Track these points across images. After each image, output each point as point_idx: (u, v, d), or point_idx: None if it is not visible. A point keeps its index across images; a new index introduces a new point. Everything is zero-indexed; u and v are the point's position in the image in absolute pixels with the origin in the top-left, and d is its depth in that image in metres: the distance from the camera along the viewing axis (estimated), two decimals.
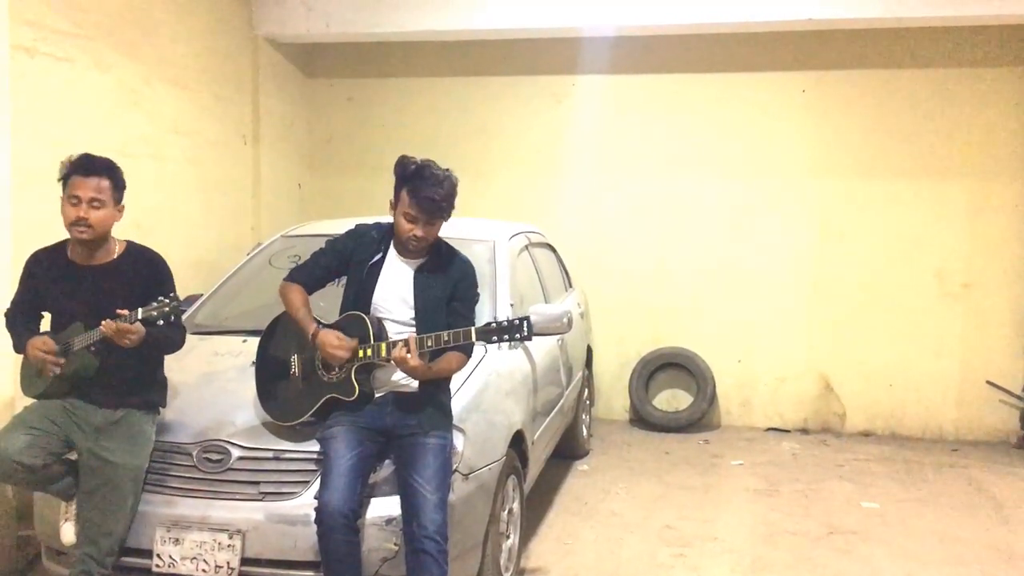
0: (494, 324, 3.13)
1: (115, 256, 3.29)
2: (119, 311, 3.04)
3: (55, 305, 3.29)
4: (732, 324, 7.00)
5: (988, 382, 6.66)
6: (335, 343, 3.14)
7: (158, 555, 3.15)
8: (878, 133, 6.72)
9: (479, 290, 3.43)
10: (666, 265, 7.07)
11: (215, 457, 3.26)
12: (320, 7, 6.47)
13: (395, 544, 3.09)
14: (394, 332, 3.22)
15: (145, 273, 3.28)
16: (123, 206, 3.29)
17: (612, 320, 7.09)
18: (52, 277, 3.27)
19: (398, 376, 3.23)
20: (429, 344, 3.10)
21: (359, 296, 3.27)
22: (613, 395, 7.23)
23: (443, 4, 6.35)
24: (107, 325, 3.03)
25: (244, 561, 3.10)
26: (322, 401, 3.24)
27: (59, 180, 3.20)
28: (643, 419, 7.01)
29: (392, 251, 3.31)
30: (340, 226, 3.68)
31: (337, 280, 3.43)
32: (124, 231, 3.43)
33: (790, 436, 6.83)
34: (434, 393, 3.26)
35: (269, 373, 3.41)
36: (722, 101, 6.92)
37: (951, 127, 6.62)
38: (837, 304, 6.86)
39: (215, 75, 6.02)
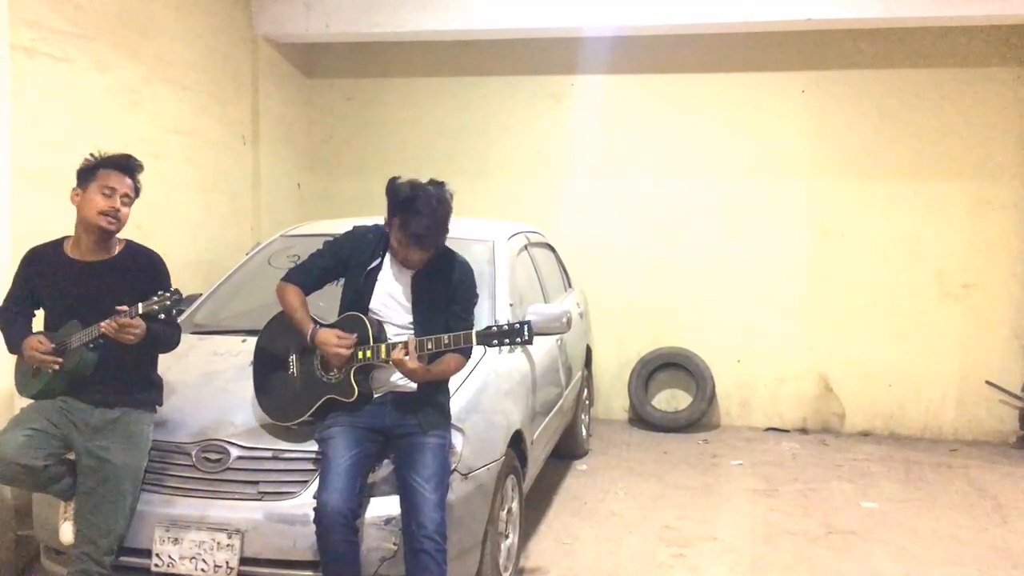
0: (495, 328, 3.14)
1: (114, 253, 3.30)
2: (118, 308, 3.04)
3: (51, 301, 3.28)
4: (731, 324, 7.01)
5: (987, 382, 6.66)
6: (335, 341, 3.14)
7: (157, 555, 3.15)
8: (877, 133, 6.73)
9: (478, 291, 3.42)
10: (665, 265, 7.08)
11: (214, 457, 3.26)
12: (320, 7, 6.47)
13: (394, 544, 3.09)
14: (393, 334, 3.22)
15: (143, 271, 3.28)
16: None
17: (611, 320, 7.10)
18: (49, 273, 3.27)
19: (397, 376, 3.23)
20: (429, 347, 3.10)
21: (357, 300, 3.27)
22: (612, 395, 7.23)
23: (443, 4, 6.35)
24: (107, 325, 3.03)
25: (243, 561, 3.10)
26: (321, 401, 3.24)
27: (80, 171, 3.22)
28: (642, 419, 7.01)
29: (390, 255, 3.30)
30: (339, 226, 3.68)
31: (336, 281, 3.43)
32: (124, 230, 3.42)
33: (789, 436, 6.83)
34: (433, 393, 3.26)
35: (267, 373, 3.41)
36: (721, 101, 6.92)
37: (951, 127, 6.62)
38: (836, 304, 6.87)
39: (214, 75, 6.02)
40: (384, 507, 3.13)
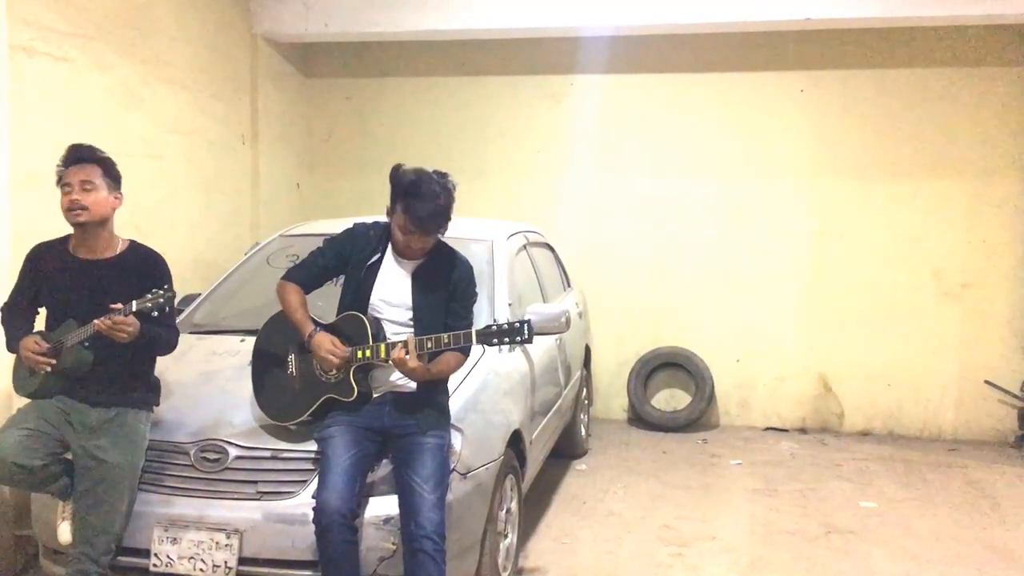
0: (494, 327, 3.14)
1: (116, 252, 3.30)
2: (112, 306, 3.04)
3: (53, 298, 3.28)
4: (730, 324, 7.01)
5: (986, 382, 6.66)
6: (329, 347, 3.14)
7: (155, 554, 3.15)
8: (876, 133, 6.73)
9: (477, 290, 3.42)
10: (665, 264, 7.08)
11: (213, 456, 3.26)
12: (319, 7, 6.47)
13: (393, 543, 3.09)
14: (392, 332, 3.22)
15: (144, 270, 3.28)
16: (120, 195, 3.29)
17: (611, 320, 7.10)
18: (52, 270, 3.28)
19: (396, 376, 3.23)
20: (429, 346, 3.10)
21: (357, 296, 3.26)
22: (611, 394, 7.23)
23: (442, 4, 6.35)
24: (101, 323, 3.03)
25: (242, 560, 3.10)
26: (320, 401, 3.24)
27: (57, 184, 3.23)
28: (641, 419, 7.01)
29: (390, 251, 3.30)
30: (338, 225, 3.68)
31: (335, 280, 3.43)
32: (123, 230, 3.43)
33: (788, 436, 6.84)
34: (432, 393, 3.26)
35: (266, 372, 3.41)
36: (720, 101, 6.92)
37: (949, 127, 6.63)
38: (835, 304, 6.87)
39: (214, 75, 6.02)
40: (383, 507, 3.13)
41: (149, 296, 3.07)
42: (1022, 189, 6.56)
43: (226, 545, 3.10)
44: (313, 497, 3.02)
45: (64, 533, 3.21)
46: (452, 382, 3.40)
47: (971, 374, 6.70)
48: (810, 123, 6.83)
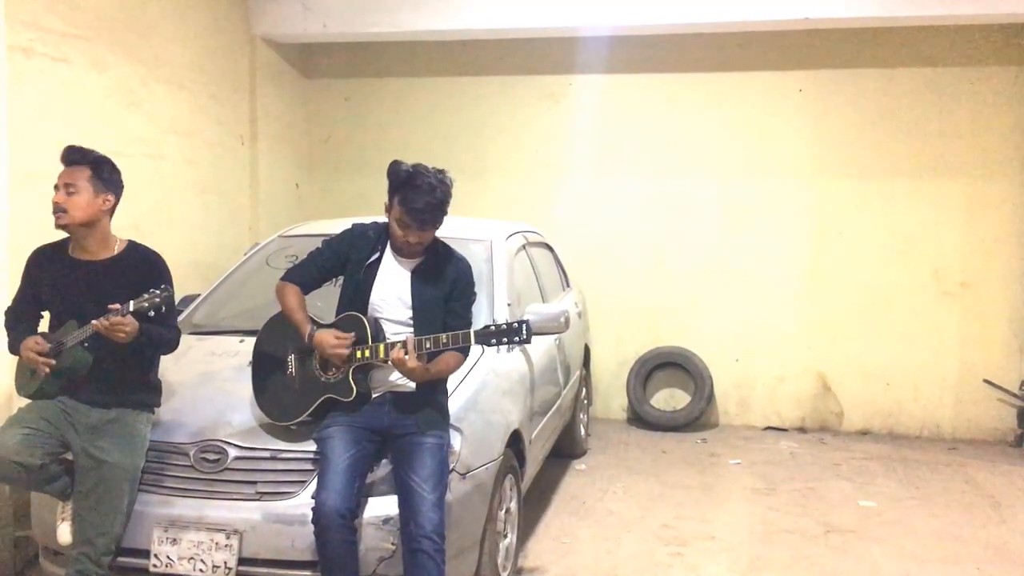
0: (493, 327, 3.14)
1: (115, 253, 3.30)
2: (110, 306, 3.05)
3: (53, 300, 3.29)
4: (730, 323, 7.01)
5: (985, 381, 6.67)
6: (333, 342, 3.14)
7: (155, 555, 3.15)
8: (875, 132, 6.73)
9: (476, 290, 3.43)
10: (664, 264, 7.08)
11: (212, 457, 3.26)
12: (317, 7, 6.47)
13: (392, 544, 3.09)
14: (391, 332, 3.22)
15: (143, 271, 3.28)
16: (110, 198, 3.26)
17: (610, 319, 7.10)
18: (52, 272, 3.28)
19: (395, 376, 3.23)
20: (428, 346, 3.10)
21: (356, 296, 3.27)
22: (611, 394, 7.24)
23: (440, 4, 6.35)
24: (99, 323, 3.03)
25: (241, 561, 3.10)
26: (319, 401, 3.24)
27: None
28: (641, 418, 7.01)
29: (389, 251, 3.30)
30: (337, 226, 3.68)
31: (334, 280, 3.43)
32: (122, 231, 3.43)
33: (788, 435, 6.84)
34: (431, 393, 3.26)
35: (265, 373, 3.41)
36: (719, 100, 6.93)
37: (948, 126, 6.63)
38: (835, 303, 6.87)
39: (212, 75, 6.02)
40: (382, 507, 3.13)
41: (146, 296, 3.07)
42: (1021, 188, 6.57)
43: (226, 545, 3.10)
44: (312, 497, 3.02)
45: (64, 534, 3.21)
46: (451, 382, 3.40)
47: (970, 373, 6.70)
48: (809, 123, 6.84)
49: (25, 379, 3.28)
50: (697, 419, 6.89)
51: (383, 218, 3.32)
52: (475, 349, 3.42)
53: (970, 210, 6.65)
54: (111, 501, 3.11)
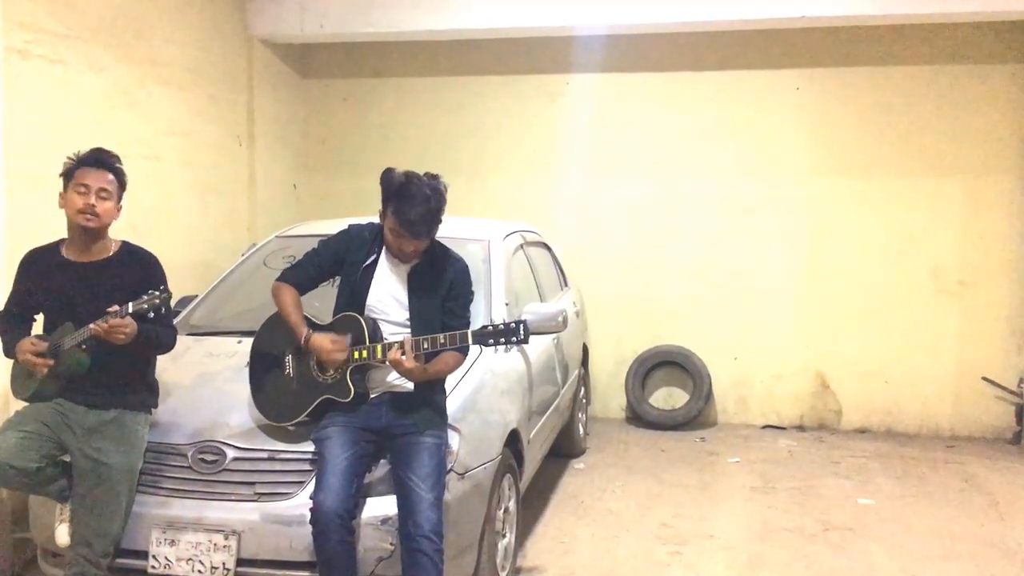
0: (490, 327, 3.14)
1: (110, 254, 3.29)
2: (109, 308, 3.04)
3: (48, 302, 3.28)
4: (728, 322, 7.02)
5: (984, 378, 6.67)
6: (329, 347, 3.14)
7: (154, 556, 3.15)
8: (873, 130, 6.74)
9: (474, 289, 3.43)
10: (662, 263, 7.08)
11: (210, 458, 3.27)
12: (314, 7, 6.47)
13: (391, 544, 3.09)
14: (389, 333, 3.22)
15: (138, 272, 3.28)
16: (121, 206, 3.30)
17: (608, 319, 7.10)
18: (45, 274, 3.27)
19: (393, 376, 3.23)
20: (425, 346, 3.10)
21: (353, 297, 3.27)
22: (609, 393, 7.24)
23: (437, 4, 6.35)
24: (98, 326, 3.03)
25: (240, 562, 3.11)
26: (317, 402, 3.24)
27: (62, 175, 3.22)
28: (639, 417, 7.01)
29: (385, 252, 3.30)
30: (335, 226, 3.68)
31: (331, 280, 3.43)
32: (120, 232, 3.43)
33: (786, 433, 6.84)
34: (429, 393, 3.27)
35: (263, 374, 3.41)
36: (716, 99, 6.93)
37: (946, 124, 6.63)
38: (833, 301, 6.88)
39: (209, 76, 6.01)
40: (381, 507, 3.13)
41: (145, 297, 3.06)
42: (1019, 186, 6.57)
43: (224, 546, 3.10)
44: (311, 498, 3.02)
45: (62, 535, 3.21)
46: (449, 382, 3.40)
47: (969, 371, 6.70)
48: (806, 121, 6.84)
49: (21, 382, 3.27)
50: (696, 418, 6.89)
51: (379, 218, 3.32)
52: (473, 349, 3.42)
53: (968, 208, 6.65)
54: (109, 503, 3.11)
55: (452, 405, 3.39)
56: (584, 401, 6.38)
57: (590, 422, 6.66)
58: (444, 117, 7.32)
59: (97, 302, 3.12)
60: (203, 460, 3.26)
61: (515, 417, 3.92)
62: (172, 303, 3.27)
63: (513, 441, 3.89)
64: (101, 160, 3.23)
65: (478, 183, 7.10)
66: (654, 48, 6.90)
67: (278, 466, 3.24)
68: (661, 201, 7.06)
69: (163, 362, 3.48)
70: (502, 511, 3.75)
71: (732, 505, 5.17)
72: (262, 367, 3.42)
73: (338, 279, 3.38)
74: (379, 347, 3.13)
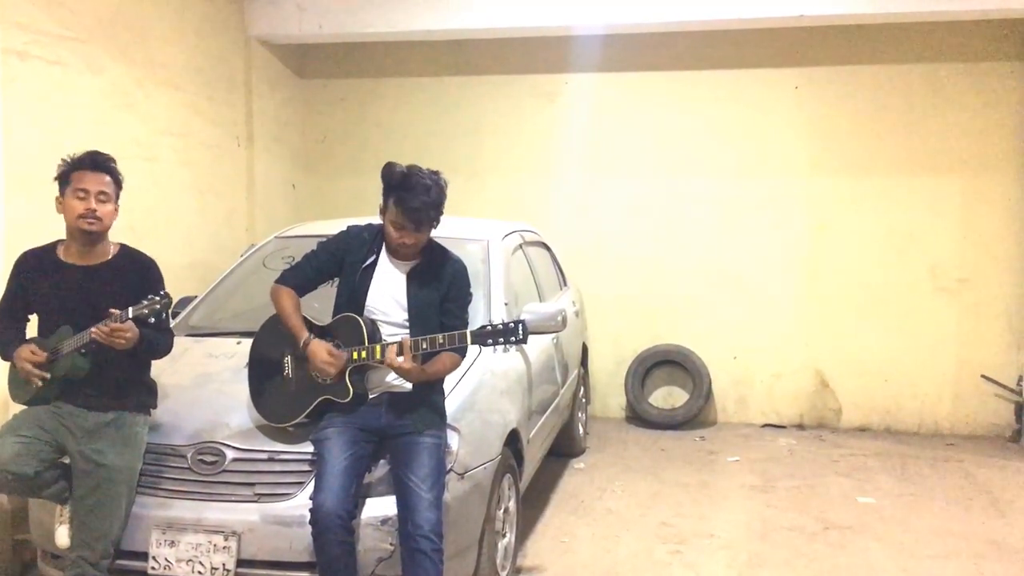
0: (489, 327, 3.14)
1: (108, 257, 3.28)
2: (111, 311, 3.03)
3: (43, 306, 3.27)
4: (727, 321, 7.02)
5: (983, 376, 6.68)
6: (326, 358, 3.14)
7: (153, 557, 3.15)
8: (871, 129, 6.74)
9: (473, 290, 3.43)
10: (661, 262, 7.08)
11: (210, 459, 3.26)
12: (313, 8, 6.47)
13: (391, 544, 3.09)
14: (388, 334, 3.22)
15: (137, 275, 3.27)
16: (119, 207, 3.29)
17: (607, 318, 7.10)
18: (42, 277, 3.26)
19: (392, 376, 3.23)
20: (424, 347, 3.10)
21: (352, 298, 3.27)
22: (609, 393, 7.24)
23: (435, 4, 6.35)
24: (99, 330, 3.02)
25: (240, 563, 3.10)
26: (316, 403, 3.23)
27: (56, 178, 3.19)
28: (639, 417, 7.01)
29: (384, 253, 3.31)
30: (334, 227, 3.68)
31: (330, 281, 3.43)
32: (118, 233, 3.42)
33: (786, 432, 6.84)
34: (428, 393, 3.27)
35: (262, 375, 3.40)
36: (715, 98, 6.93)
37: (944, 122, 6.63)
38: (832, 300, 6.88)
39: (208, 77, 6.01)
40: (380, 508, 3.13)
41: (145, 302, 3.05)
42: (1018, 184, 6.58)
43: (224, 547, 3.10)
44: (310, 499, 3.02)
45: (62, 537, 3.21)
46: (449, 382, 3.40)
47: (968, 369, 6.71)
48: (805, 120, 6.84)
49: (19, 385, 3.25)
50: (695, 417, 6.89)
51: (378, 220, 3.32)
52: (472, 349, 3.42)
53: (967, 206, 6.65)
54: (110, 504, 3.11)
55: (451, 405, 3.39)
56: (584, 400, 6.38)
57: (590, 421, 6.66)
58: (443, 117, 7.32)
59: (95, 306, 3.11)
60: (203, 461, 3.26)
61: (515, 417, 3.92)
62: (171, 307, 3.25)
63: (513, 441, 3.89)
64: (97, 162, 3.20)
65: (477, 183, 7.10)
66: (653, 47, 6.89)
67: (278, 467, 3.23)
68: (660, 200, 7.06)
69: (162, 363, 3.47)
70: (502, 511, 3.75)
71: (732, 504, 5.17)
72: (261, 368, 3.42)
73: (337, 280, 3.37)
74: (378, 347, 3.13)
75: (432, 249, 3.33)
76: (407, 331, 3.22)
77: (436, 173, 3.21)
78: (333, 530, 2.95)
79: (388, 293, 3.26)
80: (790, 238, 6.90)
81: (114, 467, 3.13)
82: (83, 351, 3.11)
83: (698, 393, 6.87)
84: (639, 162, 7.08)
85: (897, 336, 6.78)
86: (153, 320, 3.08)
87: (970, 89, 6.58)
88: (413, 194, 3.10)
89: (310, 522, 2.98)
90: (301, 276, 3.36)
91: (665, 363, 7.08)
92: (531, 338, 3.76)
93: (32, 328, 3.36)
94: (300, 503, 3.08)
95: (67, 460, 3.20)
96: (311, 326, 3.28)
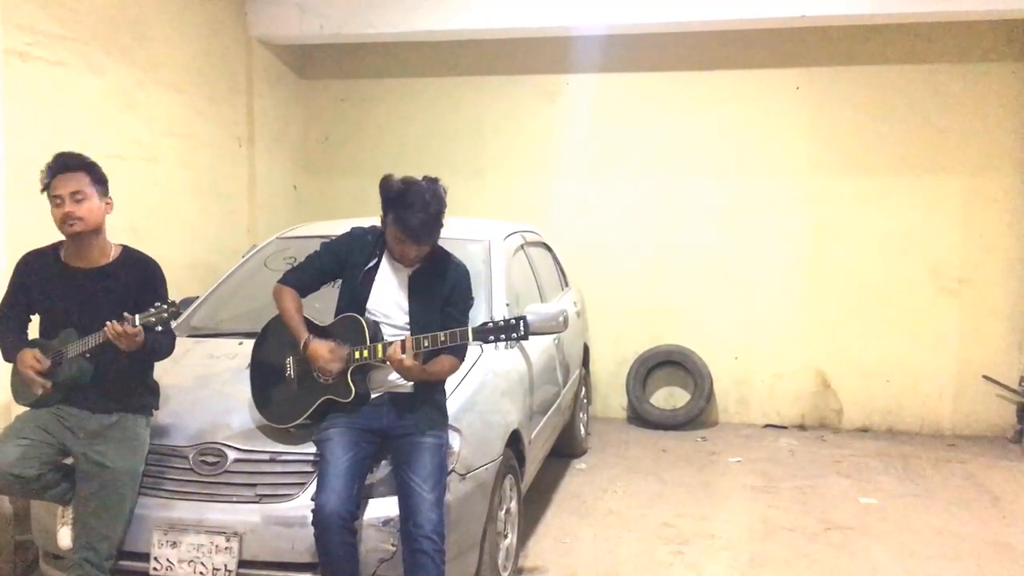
0: (490, 324, 3.14)
1: (110, 259, 3.26)
2: (124, 316, 3.01)
3: (45, 308, 3.26)
4: (729, 321, 7.01)
5: (984, 377, 6.67)
6: (327, 356, 3.14)
7: (155, 558, 3.15)
8: (872, 129, 6.73)
9: (474, 291, 3.42)
10: (662, 263, 7.08)
11: (211, 460, 3.26)
12: (314, 8, 6.47)
13: (392, 545, 3.09)
14: (389, 336, 3.21)
15: (139, 277, 3.26)
16: (110, 200, 3.24)
17: (609, 318, 7.10)
18: (44, 279, 3.25)
19: (394, 376, 3.22)
20: (425, 344, 3.10)
21: (354, 300, 3.26)
22: (610, 393, 7.24)
23: (436, 4, 6.35)
24: (112, 326, 3.01)
25: (241, 563, 3.10)
26: (318, 403, 3.24)
27: (43, 191, 3.17)
28: (640, 417, 7.01)
29: (387, 256, 3.30)
30: (336, 227, 3.68)
31: (332, 282, 3.43)
32: (120, 235, 3.42)
33: (787, 432, 6.84)
34: (430, 393, 3.27)
35: (264, 375, 3.40)
36: (716, 98, 6.92)
37: (945, 122, 6.63)
38: (833, 300, 6.88)
39: (209, 77, 6.01)
40: (382, 508, 3.13)
41: (153, 310, 3.04)
42: (1019, 184, 6.57)
43: (226, 548, 3.10)
44: (312, 499, 3.02)
45: (64, 538, 3.21)
46: (450, 382, 3.40)
47: (969, 369, 6.70)
48: (806, 120, 6.84)
49: (22, 387, 3.25)
50: (697, 417, 6.89)
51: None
52: (474, 349, 3.41)
53: (968, 206, 6.65)
54: (113, 506, 3.11)
55: (453, 405, 3.39)
56: (585, 401, 6.38)
57: (591, 422, 6.66)
58: (444, 117, 7.32)
59: (98, 309, 3.10)
60: (204, 462, 3.26)
61: (516, 417, 3.92)
62: (178, 305, 3.24)
63: (514, 441, 3.89)
64: (67, 164, 3.15)
65: (478, 183, 7.10)
66: (654, 48, 6.89)
67: (279, 468, 3.23)
68: (661, 200, 7.06)
69: (164, 364, 3.46)
70: (504, 511, 3.75)
71: (734, 505, 5.17)
72: (263, 369, 3.42)
73: (339, 281, 3.37)
74: (379, 347, 3.13)
75: (435, 252, 3.32)
76: (408, 333, 3.21)
77: (434, 182, 3.18)
78: (335, 531, 2.95)
79: (390, 296, 3.26)
80: (791, 238, 6.90)
81: (118, 469, 3.13)
82: (88, 355, 3.11)
83: (699, 393, 6.87)
84: (640, 163, 7.07)
85: (898, 336, 6.78)
86: (160, 328, 3.07)
87: (971, 89, 6.58)
88: (412, 212, 3.09)
89: (312, 523, 2.98)
90: (303, 277, 3.36)
91: (666, 363, 7.08)
92: (532, 339, 3.79)
93: (34, 329, 3.36)
94: (302, 504, 3.08)
95: (69, 461, 3.20)
96: (313, 326, 3.28)
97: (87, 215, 3.13)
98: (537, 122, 7.22)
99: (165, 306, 3.06)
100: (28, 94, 4.30)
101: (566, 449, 5.84)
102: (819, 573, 4.25)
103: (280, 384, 3.35)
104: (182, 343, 3.55)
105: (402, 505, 3.07)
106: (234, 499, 3.17)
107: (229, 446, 3.28)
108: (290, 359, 3.33)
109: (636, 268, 7.12)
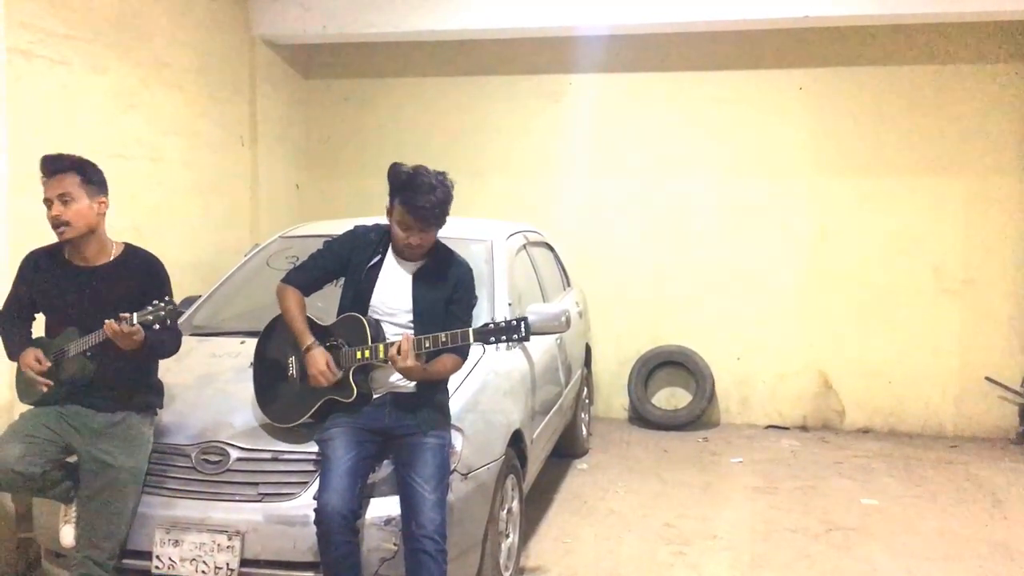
0: (492, 325, 3.14)
1: (112, 258, 3.27)
2: (122, 316, 3.02)
3: (49, 306, 3.27)
4: (730, 322, 7.01)
5: (987, 378, 6.66)
6: (322, 369, 3.15)
7: (157, 557, 3.15)
8: (875, 130, 6.73)
9: (477, 290, 3.42)
10: (664, 263, 7.08)
11: (214, 458, 3.27)
12: (317, 8, 6.48)
13: (394, 544, 3.09)
14: (392, 334, 3.21)
15: (142, 276, 3.26)
16: (105, 200, 3.23)
17: (611, 318, 7.10)
18: (47, 277, 3.26)
19: (396, 376, 3.23)
20: (427, 345, 3.10)
21: (357, 299, 3.27)
22: (612, 394, 7.23)
23: (439, 4, 6.35)
24: (109, 325, 3.01)
25: (243, 562, 3.10)
26: (320, 403, 3.24)
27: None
28: (642, 417, 7.01)
29: (390, 254, 3.31)
30: (338, 226, 3.68)
31: (335, 281, 3.43)
32: (122, 233, 3.43)
33: (789, 433, 6.83)
34: (432, 393, 3.27)
35: (267, 375, 3.41)
36: (719, 99, 6.92)
37: (948, 123, 6.63)
38: (835, 301, 6.87)
39: (212, 77, 6.02)
40: (384, 508, 3.13)
41: (150, 308, 3.04)
42: (1021, 186, 6.56)
43: (228, 547, 3.10)
44: (314, 498, 3.02)
45: (67, 536, 3.21)
46: (452, 382, 3.40)
47: (972, 370, 6.70)
48: (809, 121, 6.83)
49: (26, 386, 3.26)
50: (698, 418, 6.89)
51: (385, 220, 3.32)
52: (476, 349, 3.42)
53: (971, 207, 6.64)
54: (117, 504, 3.12)
55: (455, 405, 3.39)
56: (587, 401, 6.38)
57: (593, 422, 6.66)
58: (446, 117, 7.32)
59: (100, 307, 3.11)
60: (207, 461, 3.27)
61: (518, 417, 3.92)
62: (176, 312, 3.24)
63: (516, 441, 3.89)
64: (51, 166, 3.15)
65: (480, 183, 7.09)
66: (657, 48, 6.89)
67: (282, 467, 3.23)
68: (664, 201, 7.06)
69: (167, 363, 3.47)
70: (505, 511, 3.75)
71: (735, 505, 5.17)
72: (266, 368, 3.43)
73: (342, 280, 3.37)
74: (381, 346, 3.13)
75: (438, 251, 3.33)
76: (411, 332, 3.22)
77: (442, 174, 3.21)
78: (337, 530, 2.95)
79: (393, 294, 3.26)
80: (794, 239, 6.90)
81: (122, 468, 3.13)
82: (89, 354, 3.12)
83: (701, 394, 6.87)
84: (643, 162, 7.07)
85: (900, 337, 6.78)
86: (157, 326, 3.07)
87: (975, 90, 6.57)
88: (419, 194, 3.10)
89: (314, 522, 2.99)
90: (307, 276, 3.36)
91: (668, 364, 7.08)
92: (534, 339, 3.78)
93: (39, 327, 3.37)
94: (304, 503, 3.09)
95: (73, 460, 3.20)
96: (315, 326, 3.28)
97: (74, 218, 3.12)
98: (540, 122, 7.22)
99: (162, 304, 3.05)
100: (31, 93, 4.30)
101: (568, 449, 5.84)
102: (820, 574, 4.25)
103: (283, 383, 3.35)
104: (184, 342, 3.54)
105: (404, 505, 3.07)
106: (236, 498, 3.18)
107: (231, 445, 3.28)
108: (293, 359, 3.33)
109: (639, 268, 7.11)
